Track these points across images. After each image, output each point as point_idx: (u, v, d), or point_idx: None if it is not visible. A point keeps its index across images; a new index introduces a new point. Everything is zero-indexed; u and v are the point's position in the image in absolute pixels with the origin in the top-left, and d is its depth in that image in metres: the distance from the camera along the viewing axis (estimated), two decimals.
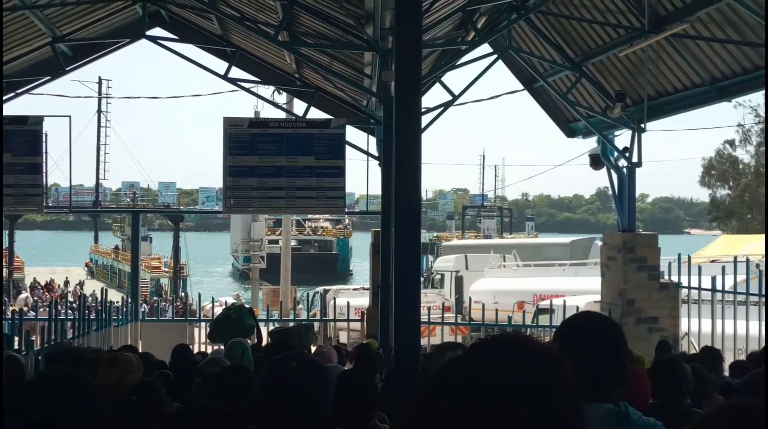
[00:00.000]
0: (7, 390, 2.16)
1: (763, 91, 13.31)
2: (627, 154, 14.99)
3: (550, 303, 17.76)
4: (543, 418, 1.18)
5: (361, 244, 59.27)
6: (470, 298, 22.33)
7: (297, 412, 2.58)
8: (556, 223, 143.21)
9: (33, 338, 14.84)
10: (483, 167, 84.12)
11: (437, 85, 14.81)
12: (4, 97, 16.55)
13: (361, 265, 60.40)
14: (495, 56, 14.75)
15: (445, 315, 17.81)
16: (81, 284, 44.75)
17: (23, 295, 35.17)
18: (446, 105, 14.52)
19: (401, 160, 6.37)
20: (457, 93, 14.62)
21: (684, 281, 14.10)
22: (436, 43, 14.11)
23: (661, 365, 5.40)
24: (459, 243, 47.17)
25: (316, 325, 19.00)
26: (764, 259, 14.39)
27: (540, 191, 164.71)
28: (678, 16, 12.10)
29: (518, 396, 1.18)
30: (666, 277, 14.46)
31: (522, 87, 16.78)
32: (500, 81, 17.40)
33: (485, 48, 14.82)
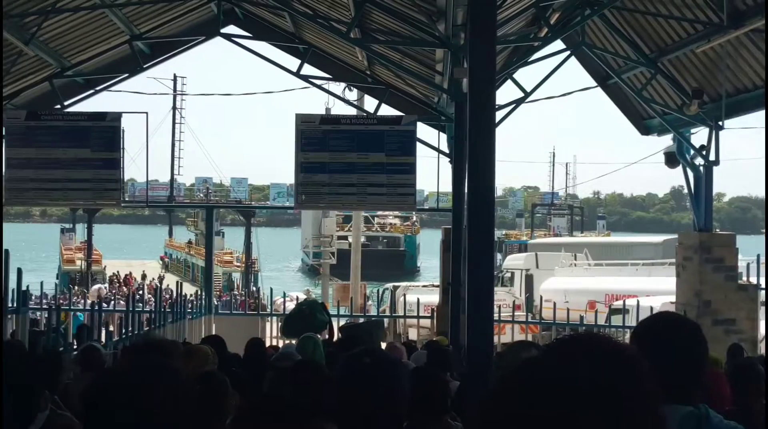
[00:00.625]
0: (90, 378, 2.18)
1: None
2: (704, 153, 14.68)
3: (623, 303, 17.49)
4: (622, 419, 1.17)
5: (428, 241, 59.09)
6: (541, 297, 22.13)
7: (371, 407, 2.58)
8: (629, 221, 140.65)
9: (111, 329, 15.26)
10: (553, 165, 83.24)
11: (509, 81, 14.72)
12: (84, 94, 17.06)
13: (428, 262, 60.28)
14: (568, 52, 14.61)
15: (515, 313, 17.68)
16: (161, 278, 45.84)
17: (96, 287, 35.94)
18: (518, 102, 14.44)
19: (474, 158, 6.35)
20: (528, 89, 14.53)
21: (763, 283, 13.78)
22: (509, 40, 14.02)
23: (738, 368, 5.31)
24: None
25: (386, 321, 19.08)
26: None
27: (612, 189, 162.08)
28: (758, 10, 11.80)
29: (597, 396, 1.17)
30: (744, 278, 14.14)
31: (595, 83, 16.57)
32: (573, 77, 17.21)
33: (558, 44, 14.70)
